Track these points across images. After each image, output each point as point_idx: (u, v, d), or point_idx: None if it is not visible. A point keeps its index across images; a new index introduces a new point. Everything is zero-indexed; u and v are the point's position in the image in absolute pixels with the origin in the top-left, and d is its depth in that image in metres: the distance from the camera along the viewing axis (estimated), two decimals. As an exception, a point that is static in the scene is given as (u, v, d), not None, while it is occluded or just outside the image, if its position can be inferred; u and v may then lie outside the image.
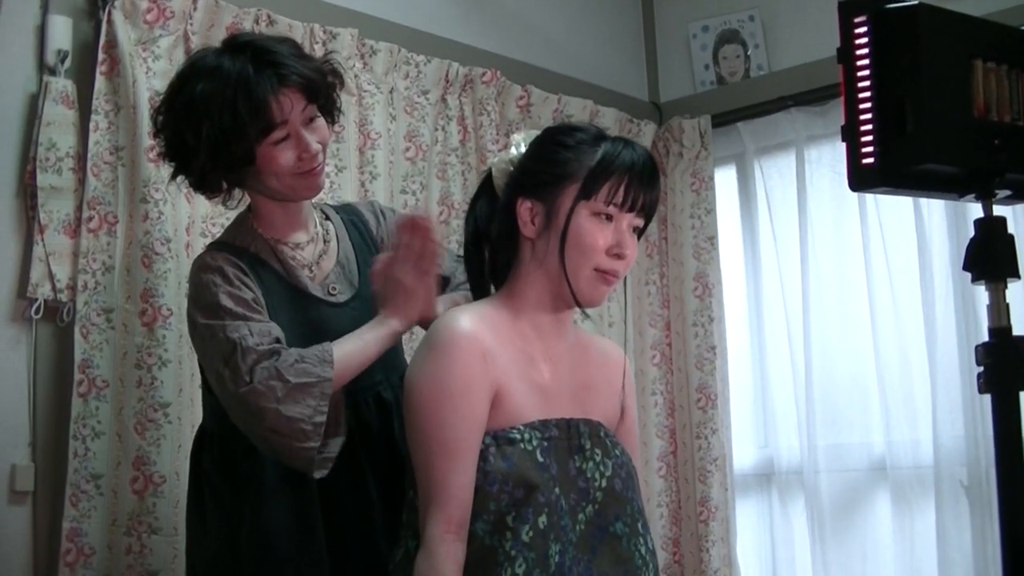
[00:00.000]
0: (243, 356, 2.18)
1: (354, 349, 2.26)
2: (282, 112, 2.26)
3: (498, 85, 3.87)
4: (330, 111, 2.42)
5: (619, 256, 2.16)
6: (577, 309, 2.24)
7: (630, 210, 2.16)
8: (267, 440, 2.19)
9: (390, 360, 2.39)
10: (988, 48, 2.12)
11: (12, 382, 2.78)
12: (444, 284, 2.54)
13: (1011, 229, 2.20)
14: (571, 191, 2.15)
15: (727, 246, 4.32)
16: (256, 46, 2.30)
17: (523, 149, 2.24)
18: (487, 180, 2.31)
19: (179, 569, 2.70)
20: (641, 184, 2.16)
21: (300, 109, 2.29)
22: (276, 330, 2.24)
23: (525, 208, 2.19)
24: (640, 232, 2.22)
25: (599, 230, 2.14)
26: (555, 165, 2.17)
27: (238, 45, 2.32)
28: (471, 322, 2.13)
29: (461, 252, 2.38)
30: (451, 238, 3.51)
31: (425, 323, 2.39)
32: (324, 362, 2.20)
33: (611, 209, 2.14)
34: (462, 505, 2.05)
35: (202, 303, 2.27)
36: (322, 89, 2.35)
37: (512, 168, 2.24)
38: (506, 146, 2.31)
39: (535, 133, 2.27)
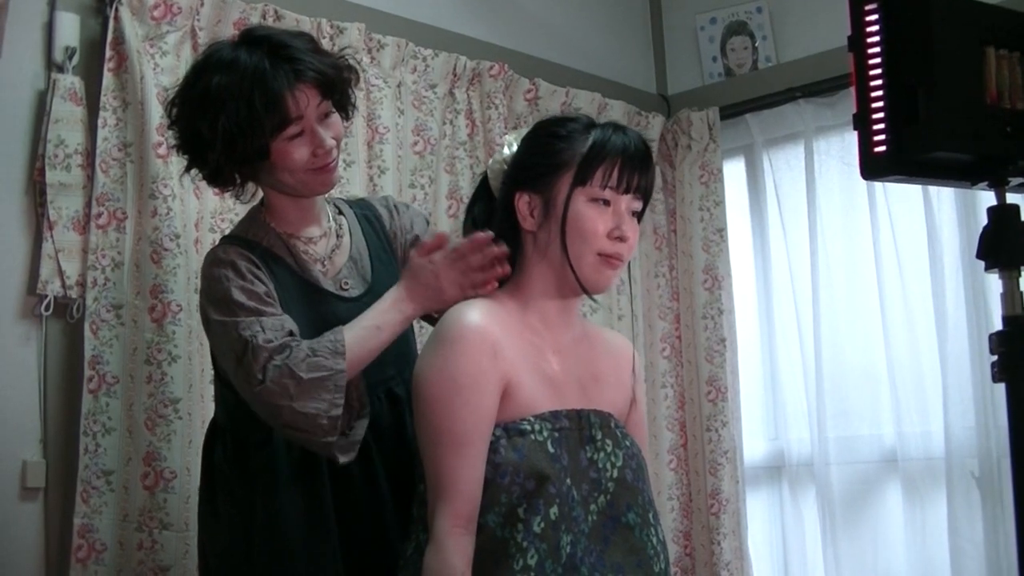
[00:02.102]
0: (255, 355, 2.17)
1: (367, 335, 2.24)
2: (297, 108, 2.26)
3: (506, 79, 3.86)
4: (345, 107, 2.42)
5: (620, 239, 2.17)
6: (585, 299, 2.25)
7: (626, 192, 2.17)
8: (287, 435, 2.21)
9: (402, 355, 2.39)
10: (1000, 35, 2.11)
11: (22, 379, 2.78)
12: None
13: (1024, 217, 2.20)
14: (567, 179, 2.16)
15: (736, 238, 4.31)
16: (273, 40, 2.29)
17: (515, 148, 2.26)
18: (483, 183, 2.32)
19: (190, 564, 2.71)
20: (634, 166, 2.17)
21: (315, 105, 2.29)
22: (289, 323, 2.24)
23: (523, 202, 2.20)
24: (639, 215, 2.22)
25: (598, 215, 2.15)
26: (549, 155, 2.19)
27: (255, 38, 2.31)
28: (480, 315, 2.13)
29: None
30: (459, 232, 3.50)
31: (432, 318, 2.39)
32: (336, 354, 2.19)
33: (607, 193, 2.15)
34: (471, 499, 2.05)
35: (214, 298, 2.27)
36: (337, 85, 2.34)
37: (506, 167, 2.25)
38: (498, 148, 2.31)
39: (525, 131, 2.29)
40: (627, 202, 2.18)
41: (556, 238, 2.16)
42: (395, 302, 2.29)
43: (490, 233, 2.25)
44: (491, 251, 2.24)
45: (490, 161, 2.32)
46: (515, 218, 2.21)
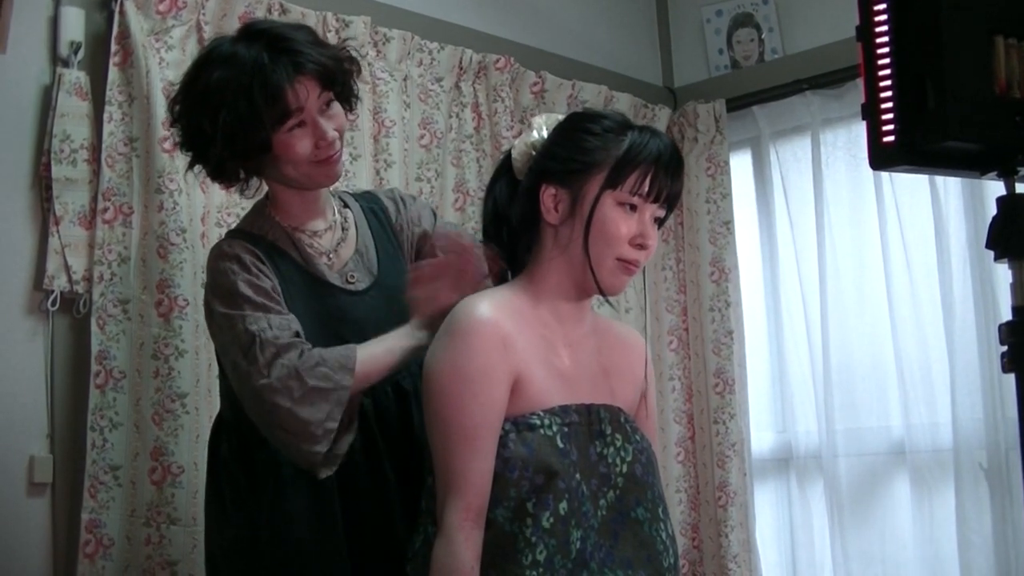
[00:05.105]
0: (262, 349, 2.17)
1: (379, 354, 2.24)
2: (298, 100, 2.25)
3: (512, 72, 3.86)
4: (347, 98, 2.40)
5: (642, 246, 2.16)
6: (595, 295, 2.24)
7: (654, 201, 2.16)
8: (275, 436, 2.19)
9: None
10: (1009, 24, 2.10)
11: (29, 374, 2.79)
12: None
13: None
14: (597, 180, 2.14)
15: (743, 230, 4.30)
16: (272, 34, 2.29)
17: (545, 133, 2.23)
18: (506, 161, 2.29)
19: (198, 559, 2.70)
20: (667, 175, 2.15)
21: (316, 96, 2.28)
22: (295, 324, 2.23)
23: (549, 195, 2.18)
24: (661, 222, 2.21)
25: (623, 220, 2.14)
26: (582, 153, 2.16)
27: (254, 32, 2.31)
28: (491, 308, 2.12)
29: (478, 236, 2.37)
30: (467, 225, 3.51)
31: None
32: (344, 369, 2.18)
33: (636, 199, 2.14)
34: (480, 492, 2.05)
35: (220, 291, 2.26)
36: (338, 76, 2.33)
37: (534, 152, 2.23)
38: (526, 128, 2.29)
39: (557, 117, 2.26)
40: (652, 210, 2.17)
41: (579, 237, 2.15)
42: (409, 331, 2.29)
43: (474, 241, 2.29)
44: (481, 255, 2.27)
45: (516, 141, 2.28)
46: (537, 208, 2.20)
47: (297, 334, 2.21)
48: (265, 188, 2.44)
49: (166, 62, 2.97)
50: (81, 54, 2.89)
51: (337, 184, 2.47)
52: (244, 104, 2.22)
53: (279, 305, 2.25)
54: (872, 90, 2.09)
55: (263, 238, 2.35)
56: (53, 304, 2.81)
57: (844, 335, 4.00)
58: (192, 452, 2.84)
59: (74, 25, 2.90)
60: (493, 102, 3.79)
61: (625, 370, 2.30)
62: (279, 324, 2.20)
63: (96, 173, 2.87)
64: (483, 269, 2.29)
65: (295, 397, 2.14)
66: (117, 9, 2.92)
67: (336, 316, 2.32)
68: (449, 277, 2.30)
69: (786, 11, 4.34)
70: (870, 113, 2.09)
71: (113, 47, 2.92)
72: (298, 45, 2.26)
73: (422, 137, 3.57)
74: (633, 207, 2.14)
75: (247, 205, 2.55)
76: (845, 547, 3.90)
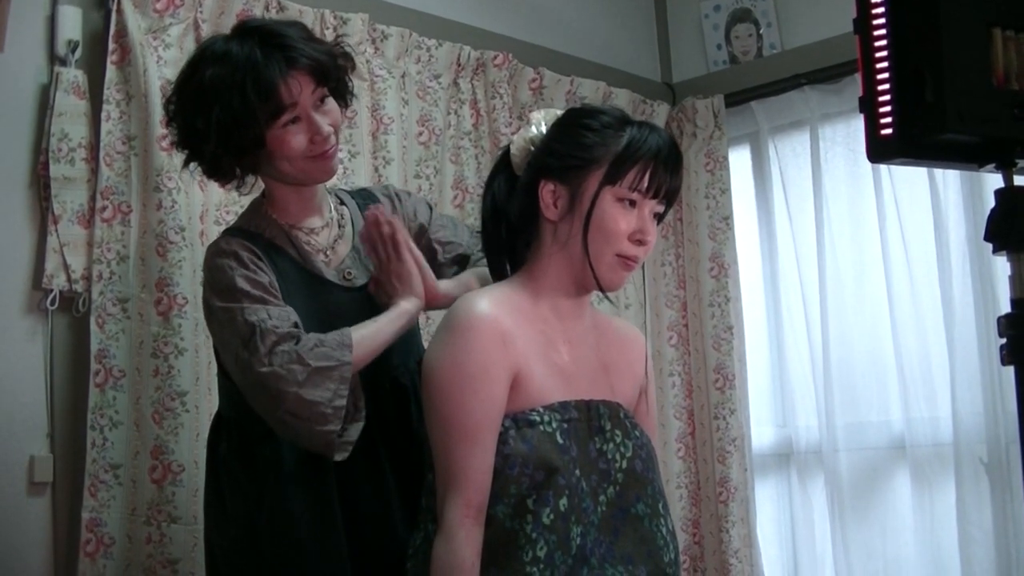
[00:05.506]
0: (262, 338, 2.17)
1: (371, 332, 2.26)
2: (291, 95, 2.25)
3: (510, 68, 3.86)
4: (342, 94, 2.41)
5: (641, 242, 2.16)
6: (595, 291, 2.24)
7: (654, 196, 2.16)
8: (286, 424, 2.18)
9: (406, 346, 2.39)
10: (1007, 17, 2.09)
11: (29, 373, 2.78)
12: (464, 261, 2.54)
13: (1032, 198, 2.18)
14: (596, 175, 2.14)
15: (742, 226, 4.30)
16: (265, 30, 2.30)
17: (544, 129, 2.23)
18: (505, 157, 2.29)
19: (199, 557, 2.70)
20: (666, 170, 2.16)
21: (310, 92, 2.28)
22: (294, 315, 2.24)
23: (548, 191, 2.18)
24: (660, 218, 2.21)
25: (622, 215, 2.14)
26: (581, 149, 2.16)
27: (247, 30, 2.32)
28: (490, 305, 2.13)
29: (479, 228, 2.38)
30: (466, 221, 3.50)
31: (433, 304, 2.39)
32: (343, 346, 2.19)
33: (635, 195, 2.14)
34: (481, 489, 2.05)
35: (219, 287, 2.26)
36: (332, 72, 2.34)
37: (532, 147, 2.23)
38: (525, 124, 2.29)
39: (555, 112, 2.26)
40: (652, 206, 2.17)
41: (578, 233, 2.15)
42: (394, 316, 2.32)
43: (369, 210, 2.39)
44: (377, 215, 2.37)
45: (515, 136, 2.28)
46: (536, 204, 2.20)
47: (296, 324, 2.22)
48: (262, 186, 2.44)
49: (164, 60, 2.97)
50: (79, 53, 2.89)
51: (335, 181, 2.47)
52: (238, 100, 2.22)
53: (276, 298, 2.26)
54: (870, 82, 2.07)
55: (260, 235, 2.36)
56: (52, 303, 2.81)
57: (844, 330, 4.00)
58: (192, 450, 2.83)
59: (71, 24, 2.89)
60: (491, 99, 3.79)
61: (624, 366, 2.31)
62: (278, 315, 2.21)
63: (94, 172, 2.87)
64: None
65: (300, 380, 2.15)
66: (114, 8, 2.92)
67: (334, 312, 2.32)
68: (384, 251, 2.35)
69: (784, 6, 4.34)
70: (867, 105, 2.08)
71: (111, 46, 2.91)
72: (291, 41, 2.27)
73: (420, 134, 3.56)
74: (632, 203, 2.14)
75: (246, 203, 2.55)
76: (846, 542, 3.90)
